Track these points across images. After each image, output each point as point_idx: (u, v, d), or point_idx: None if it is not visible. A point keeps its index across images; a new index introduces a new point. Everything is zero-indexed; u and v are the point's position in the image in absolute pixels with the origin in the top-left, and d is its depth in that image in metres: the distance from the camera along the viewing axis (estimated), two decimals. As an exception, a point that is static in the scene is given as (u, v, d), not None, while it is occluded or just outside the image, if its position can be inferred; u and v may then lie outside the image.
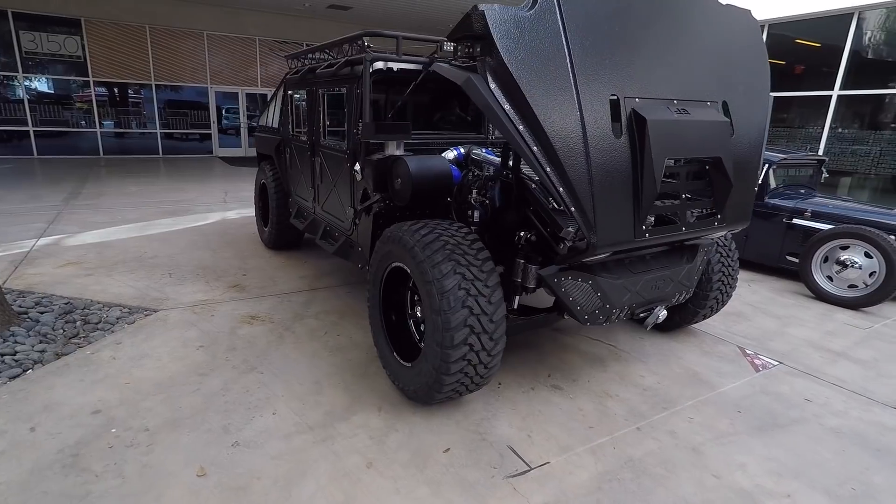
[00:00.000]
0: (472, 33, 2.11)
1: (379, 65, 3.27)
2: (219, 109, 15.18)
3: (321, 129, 3.89)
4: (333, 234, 3.92)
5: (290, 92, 4.51)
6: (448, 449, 2.38)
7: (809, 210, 5.00)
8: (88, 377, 2.79)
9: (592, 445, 2.46)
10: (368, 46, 3.26)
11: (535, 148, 2.11)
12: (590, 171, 2.17)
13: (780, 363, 3.39)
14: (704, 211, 2.72)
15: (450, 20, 14.80)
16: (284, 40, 15.70)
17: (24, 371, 2.81)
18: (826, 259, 4.70)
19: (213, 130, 15.17)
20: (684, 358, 3.39)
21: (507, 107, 2.09)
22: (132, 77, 13.93)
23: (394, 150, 3.18)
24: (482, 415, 2.67)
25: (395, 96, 3.52)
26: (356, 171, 3.27)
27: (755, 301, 4.56)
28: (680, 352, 3.47)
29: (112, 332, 3.34)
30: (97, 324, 3.43)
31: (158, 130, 14.48)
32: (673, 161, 2.54)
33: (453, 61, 2.30)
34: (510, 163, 2.94)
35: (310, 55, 4.32)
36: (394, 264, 2.74)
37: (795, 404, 2.90)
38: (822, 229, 4.78)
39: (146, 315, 3.61)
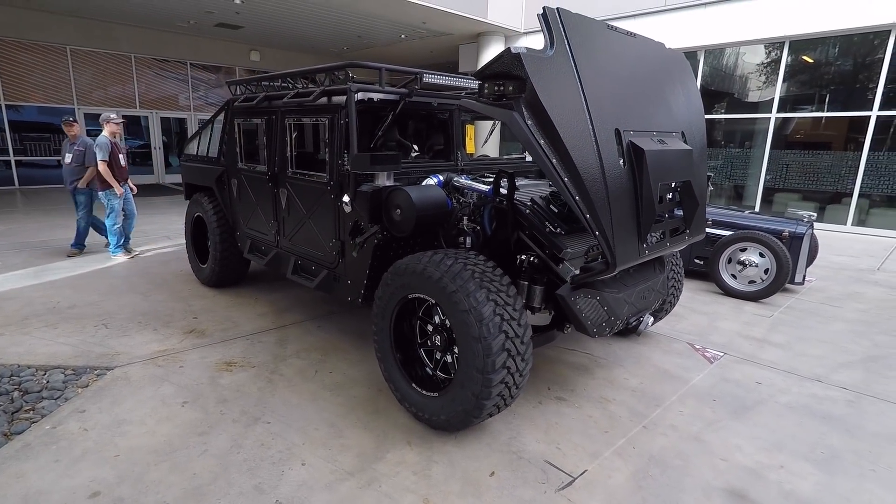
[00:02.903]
0: (505, 73, 2.25)
1: (360, 95, 3.26)
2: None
3: (287, 160, 3.73)
4: (309, 268, 3.76)
5: (237, 120, 4.25)
6: (493, 472, 2.43)
7: (710, 219, 5.83)
8: (64, 456, 2.38)
9: (615, 448, 2.67)
10: (352, 78, 3.24)
11: (566, 179, 2.29)
12: (608, 198, 2.40)
13: (725, 353, 3.93)
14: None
15: (336, 42, 14.81)
16: (164, 58, 14.50)
17: (-29, 460, 2.32)
18: (730, 260, 5.52)
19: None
20: (652, 358, 3.78)
21: (541, 141, 2.25)
22: (-27, 95, 11.89)
23: (384, 180, 3.17)
24: (508, 434, 2.75)
25: (371, 126, 3.52)
26: (344, 203, 3.21)
27: (681, 301, 5.19)
28: (646, 353, 3.87)
29: (65, 399, 2.87)
30: (39, 392, 2.92)
31: (12, 158, 12.45)
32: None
33: (480, 98, 2.41)
34: (502, 190, 3.10)
35: (261, 83, 4.13)
36: (410, 296, 2.74)
37: (751, 388, 3.39)
38: (723, 235, 5.61)
39: (99, 375, 3.15)
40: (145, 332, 3.82)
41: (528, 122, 2.24)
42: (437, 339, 2.76)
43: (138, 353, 3.46)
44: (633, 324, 3.12)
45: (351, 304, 3.39)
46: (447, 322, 2.66)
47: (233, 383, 3.12)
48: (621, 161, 2.51)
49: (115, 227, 6.05)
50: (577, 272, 2.71)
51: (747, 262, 5.37)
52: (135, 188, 6.38)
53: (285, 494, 2.20)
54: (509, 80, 2.28)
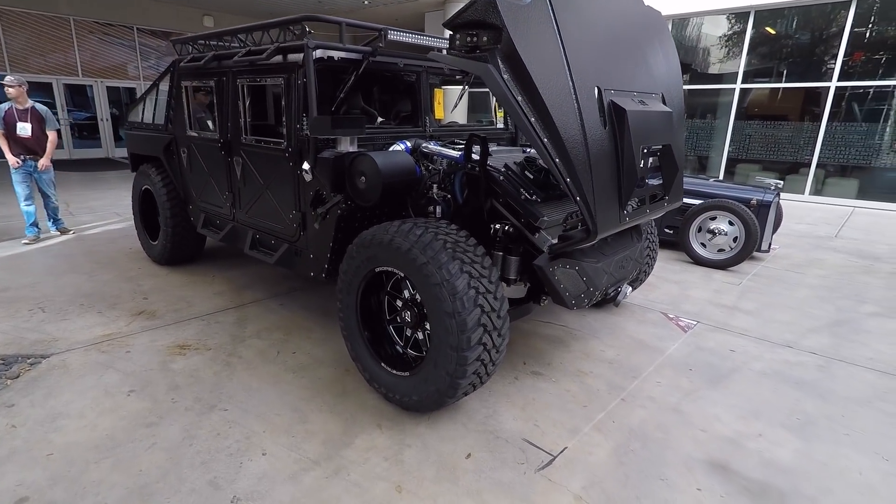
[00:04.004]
0: (479, 22, 2.03)
1: (319, 53, 2.97)
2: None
3: (242, 126, 3.42)
4: (268, 242, 3.49)
5: (184, 83, 3.87)
6: (469, 454, 2.30)
7: (681, 188, 5.80)
8: (-12, 457, 2.11)
9: (595, 423, 2.58)
10: (309, 32, 2.94)
11: (545, 139, 2.11)
12: (589, 161, 2.24)
13: (698, 322, 3.90)
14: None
15: (295, 7, 14.01)
16: (108, 22, 13.45)
17: None
18: (700, 229, 5.51)
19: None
20: (627, 329, 3.72)
21: (519, 98, 2.05)
22: None
23: (347, 146, 2.93)
24: (484, 413, 2.63)
25: (332, 90, 3.23)
26: (304, 171, 2.95)
27: (653, 270, 5.16)
28: (621, 324, 3.80)
29: (-8, 392, 2.57)
30: (-38, 385, 2.61)
31: (-66, 130, 11.37)
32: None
33: (452, 51, 2.18)
34: (474, 155, 2.91)
35: (210, 41, 3.75)
36: (377, 269, 2.54)
37: (726, 356, 3.37)
38: (693, 204, 5.58)
39: (32, 364, 2.84)
40: (88, 316, 3.50)
41: (505, 77, 2.04)
42: (408, 315, 2.59)
43: (79, 339, 3.15)
44: (612, 294, 3.02)
45: (314, 280, 3.17)
46: (418, 296, 2.48)
47: (186, 368, 2.88)
48: (602, 121, 2.35)
49: (23, 205, 5.41)
50: (555, 241, 2.56)
51: (717, 231, 5.38)
52: (45, 164, 5.52)
53: (244, 489, 2.01)
54: (483, 29, 2.06)
